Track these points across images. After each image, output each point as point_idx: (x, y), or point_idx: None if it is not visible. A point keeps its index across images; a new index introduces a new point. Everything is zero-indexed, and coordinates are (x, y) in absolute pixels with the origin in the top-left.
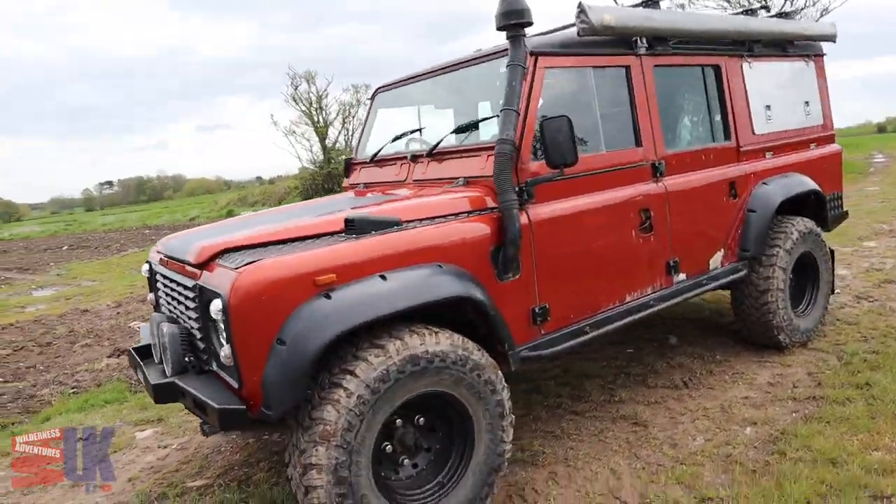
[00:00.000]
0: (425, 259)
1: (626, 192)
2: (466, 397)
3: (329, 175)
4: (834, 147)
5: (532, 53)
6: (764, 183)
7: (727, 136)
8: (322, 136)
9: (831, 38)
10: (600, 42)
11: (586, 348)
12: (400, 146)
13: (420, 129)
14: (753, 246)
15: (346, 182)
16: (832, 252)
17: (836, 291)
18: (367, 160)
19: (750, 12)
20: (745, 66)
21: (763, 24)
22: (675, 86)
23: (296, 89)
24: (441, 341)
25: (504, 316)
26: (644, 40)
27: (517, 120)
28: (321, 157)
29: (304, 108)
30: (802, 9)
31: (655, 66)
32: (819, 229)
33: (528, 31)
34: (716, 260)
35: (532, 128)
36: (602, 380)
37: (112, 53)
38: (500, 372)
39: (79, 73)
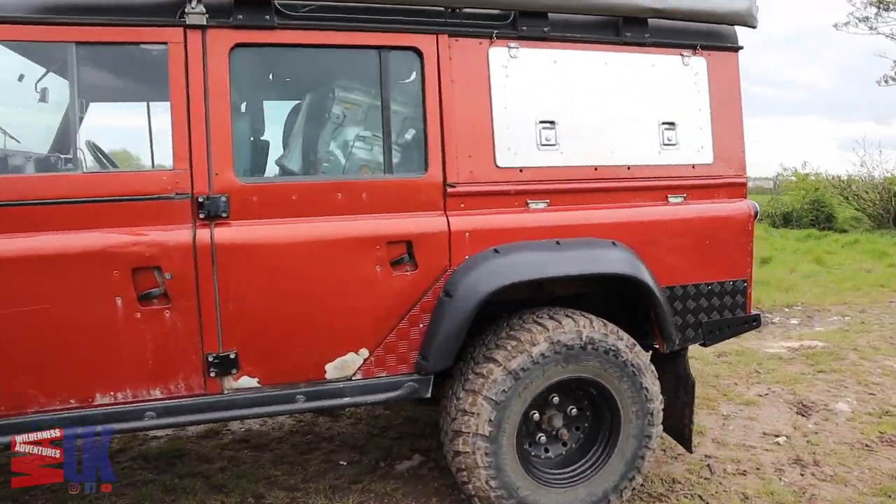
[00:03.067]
0: None
1: (93, 240)
2: None
3: None
4: (733, 205)
5: None
6: (495, 251)
7: (424, 166)
8: None
9: (741, 20)
10: (95, 6)
11: None
12: None
13: None
14: (437, 355)
15: None
16: (689, 385)
17: (692, 451)
18: None
19: None
20: (498, 53)
21: None
22: (308, 77)
23: None
24: None
25: None
26: (198, 3)
27: None
28: None
29: None
30: None
31: (239, 45)
32: (628, 346)
33: None
34: (345, 366)
35: None
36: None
37: None
38: None
39: None
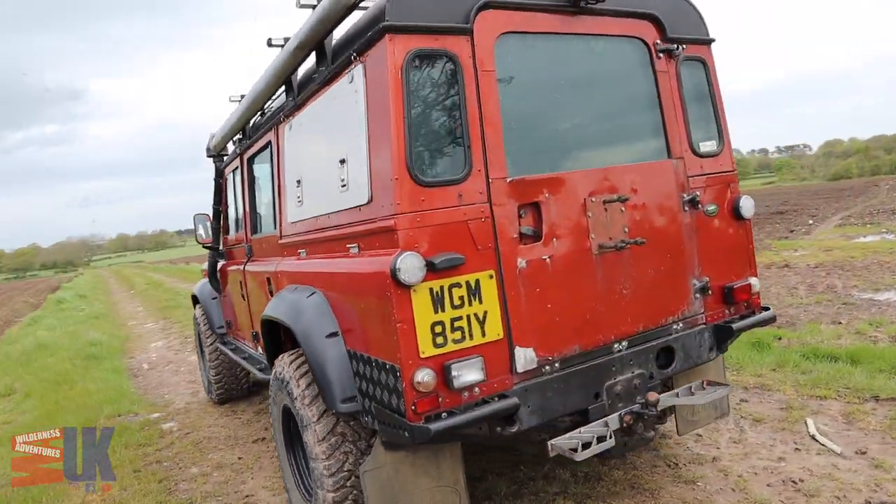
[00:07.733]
0: None
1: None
2: None
3: None
4: (368, 261)
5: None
6: (282, 291)
7: (278, 225)
8: None
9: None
10: (233, 153)
11: None
12: None
13: None
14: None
15: None
16: None
17: None
18: None
19: None
20: (286, 129)
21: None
22: (266, 171)
23: None
24: None
25: None
26: (234, 141)
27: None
28: None
29: None
30: None
31: (248, 158)
32: (301, 395)
33: None
34: None
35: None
36: None
37: None
38: None
39: None
